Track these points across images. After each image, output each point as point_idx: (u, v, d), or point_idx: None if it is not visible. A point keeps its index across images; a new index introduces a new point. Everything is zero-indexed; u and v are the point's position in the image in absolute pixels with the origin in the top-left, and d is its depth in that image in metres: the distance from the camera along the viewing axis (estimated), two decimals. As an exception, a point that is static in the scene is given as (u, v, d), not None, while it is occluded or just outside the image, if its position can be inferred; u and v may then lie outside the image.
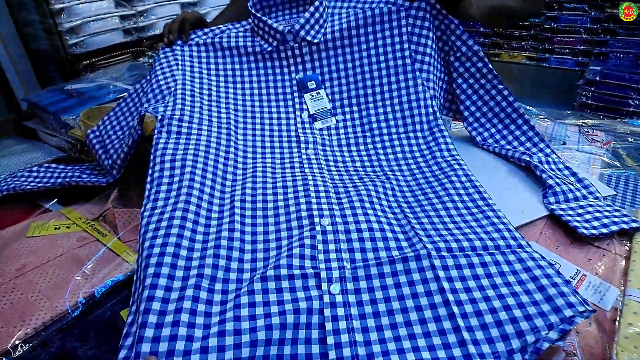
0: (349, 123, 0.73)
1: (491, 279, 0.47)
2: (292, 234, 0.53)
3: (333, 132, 0.72)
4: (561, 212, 0.58)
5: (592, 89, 1.74)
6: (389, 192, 0.60)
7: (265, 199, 0.58)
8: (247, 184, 0.60)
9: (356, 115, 0.73)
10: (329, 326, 0.42)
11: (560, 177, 0.65)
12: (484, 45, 2.18)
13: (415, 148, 0.69)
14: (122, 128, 0.75)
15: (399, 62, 0.72)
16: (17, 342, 0.48)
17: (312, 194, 0.57)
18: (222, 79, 0.74)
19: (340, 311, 0.44)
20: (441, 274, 0.46)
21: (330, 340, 0.41)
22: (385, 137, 0.71)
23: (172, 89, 0.68)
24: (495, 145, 0.73)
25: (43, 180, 0.77)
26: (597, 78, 1.73)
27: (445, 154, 0.67)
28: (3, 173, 0.86)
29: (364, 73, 0.73)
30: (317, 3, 0.72)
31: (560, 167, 0.68)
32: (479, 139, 0.75)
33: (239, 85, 0.74)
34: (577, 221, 0.56)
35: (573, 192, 0.63)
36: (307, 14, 0.71)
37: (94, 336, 0.50)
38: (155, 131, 0.63)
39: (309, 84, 0.74)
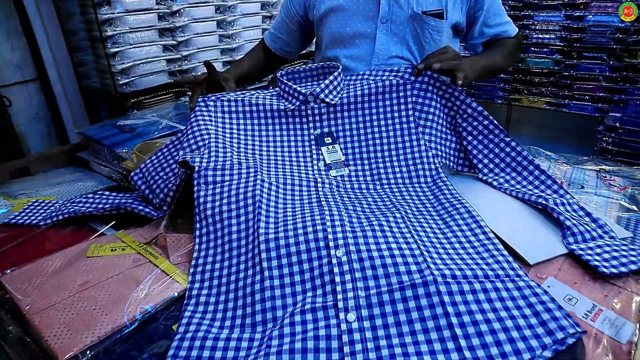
0: (360, 174, 0.82)
1: (491, 303, 0.53)
2: (313, 265, 0.59)
3: (346, 179, 0.81)
4: (581, 252, 0.62)
5: (613, 135, 1.78)
6: (400, 221, 0.66)
7: (287, 235, 0.62)
8: (269, 224, 0.65)
9: (366, 167, 0.83)
10: (346, 349, 0.49)
11: (576, 218, 0.70)
12: (504, 91, 2.26)
13: (420, 193, 0.78)
14: (164, 169, 0.84)
15: (404, 125, 0.84)
16: (84, 348, 0.54)
17: (328, 223, 0.62)
18: (249, 132, 0.85)
19: (357, 336, 0.50)
20: (446, 299, 0.52)
21: (347, 359, 0.48)
22: (393, 186, 0.80)
23: (207, 142, 0.79)
24: (512, 188, 0.79)
25: (99, 205, 0.85)
26: (617, 124, 1.77)
27: (449, 196, 0.75)
28: (61, 198, 0.96)
29: (374, 133, 0.84)
30: (335, 74, 0.84)
31: (575, 207, 0.73)
32: (495, 184, 0.81)
33: (264, 138, 0.85)
34: (597, 260, 0.60)
35: (590, 232, 0.67)
36: (326, 81, 0.84)
37: (149, 346, 0.55)
38: (195, 182, 0.73)
39: (325, 139, 0.85)
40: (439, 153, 0.83)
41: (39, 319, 0.59)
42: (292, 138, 0.85)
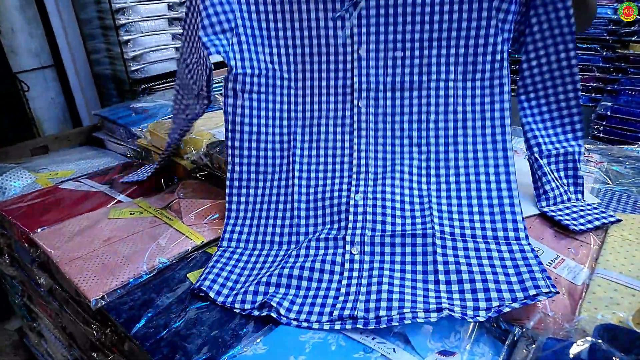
0: (407, 62, 0.67)
1: (479, 260, 0.58)
2: (333, 203, 0.67)
3: (389, 71, 0.68)
4: (552, 214, 0.69)
5: (604, 123, 1.84)
6: (424, 164, 0.67)
7: (317, 175, 0.70)
8: (304, 157, 0.71)
9: (417, 52, 0.67)
10: (345, 274, 0.59)
11: (556, 179, 0.73)
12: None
13: (468, 100, 0.66)
14: (199, 57, 0.71)
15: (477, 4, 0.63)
16: (109, 290, 0.62)
17: (355, 169, 0.68)
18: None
19: (356, 265, 0.60)
20: (439, 250, 0.59)
21: (344, 281, 0.59)
22: (442, 84, 0.66)
23: (232, 22, 0.68)
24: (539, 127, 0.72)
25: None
26: (608, 113, 1.83)
27: (497, 122, 0.65)
28: (80, 173, 1.04)
29: (433, 4, 0.64)
30: None
31: (571, 159, 0.72)
32: (525, 106, 0.72)
33: (294, 6, 0.68)
34: (567, 220, 0.67)
35: (562, 195, 0.72)
36: None
37: (166, 290, 0.63)
38: (225, 87, 0.69)
39: None
40: (512, 35, 0.65)
41: (69, 268, 0.67)
42: (323, 7, 0.68)
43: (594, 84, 2.02)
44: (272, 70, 0.71)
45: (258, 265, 0.65)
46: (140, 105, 1.26)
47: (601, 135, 1.84)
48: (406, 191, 0.67)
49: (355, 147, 0.69)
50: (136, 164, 1.07)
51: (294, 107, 0.72)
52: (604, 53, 1.95)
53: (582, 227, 0.65)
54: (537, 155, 0.73)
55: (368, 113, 0.69)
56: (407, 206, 0.65)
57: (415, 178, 0.67)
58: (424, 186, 0.67)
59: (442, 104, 0.67)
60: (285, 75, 0.71)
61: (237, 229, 0.71)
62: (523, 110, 0.73)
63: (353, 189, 0.67)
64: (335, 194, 0.68)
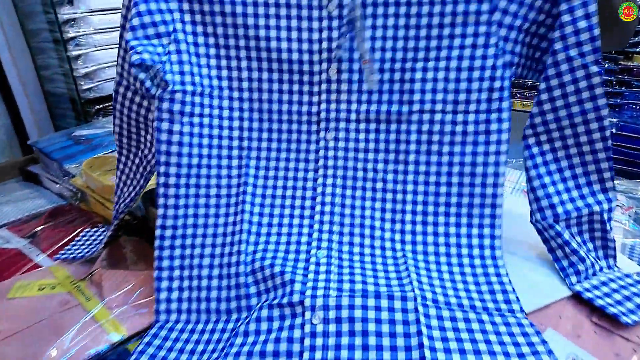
0: (385, 86, 0.55)
1: (471, 334, 0.46)
2: (289, 265, 0.53)
3: (364, 97, 0.56)
4: (589, 295, 0.53)
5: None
6: (398, 217, 0.57)
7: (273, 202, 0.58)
8: (256, 189, 0.58)
9: (397, 75, 0.54)
10: (306, 355, 0.44)
11: (580, 244, 0.57)
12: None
13: (458, 138, 0.53)
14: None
15: (472, 7, 0.50)
16: None
17: (317, 220, 0.57)
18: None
19: (319, 341, 0.45)
20: (422, 319, 0.46)
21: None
22: (426, 117, 0.54)
23: (170, 26, 0.53)
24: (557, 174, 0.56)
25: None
26: (614, 130, 1.69)
27: (490, 169, 0.53)
28: (12, 217, 0.85)
29: (420, 16, 0.52)
30: None
31: (605, 217, 0.56)
32: (537, 159, 0.57)
33: (249, 9, 0.54)
34: (612, 305, 0.51)
35: (593, 266, 0.57)
36: None
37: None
38: (158, 108, 0.52)
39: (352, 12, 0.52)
40: (515, 59, 0.53)
41: None
42: (286, 13, 0.54)
43: (596, 98, 1.88)
44: (219, 89, 0.56)
45: (199, 348, 0.51)
46: (84, 132, 1.08)
47: (606, 154, 1.69)
48: (377, 251, 0.56)
49: (319, 190, 0.58)
50: (68, 209, 0.88)
51: (247, 134, 0.58)
52: (606, 65, 1.81)
53: (636, 319, 0.49)
54: (551, 221, 0.56)
55: (336, 148, 0.57)
56: (379, 267, 0.54)
57: (387, 235, 0.57)
58: (398, 245, 0.56)
59: (424, 142, 0.55)
60: (236, 94, 0.57)
61: (174, 295, 0.55)
62: (532, 159, 0.57)
63: (315, 243, 0.56)
64: (292, 247, 0.56)
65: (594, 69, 0.50)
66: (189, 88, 0.54)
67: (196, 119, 0.55)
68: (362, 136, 0.57)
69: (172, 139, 0.54)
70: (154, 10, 0.52)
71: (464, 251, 0.55)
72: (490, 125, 0.53)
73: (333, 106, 0.57)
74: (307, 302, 0.48)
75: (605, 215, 0.56)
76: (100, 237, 0.71)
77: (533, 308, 0.51)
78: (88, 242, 0.73)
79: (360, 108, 0.56)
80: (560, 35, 0.50)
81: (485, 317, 0.49)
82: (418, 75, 0.54)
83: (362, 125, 0.56)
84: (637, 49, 1.72)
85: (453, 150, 0.54)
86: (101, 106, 1.41)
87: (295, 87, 0.57)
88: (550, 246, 0.58)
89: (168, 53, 0.53)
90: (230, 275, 0.55)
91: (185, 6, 0.53)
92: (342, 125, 0.57)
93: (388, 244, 0.57)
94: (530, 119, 0.56)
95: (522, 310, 0.50)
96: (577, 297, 0.53)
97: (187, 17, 0.54)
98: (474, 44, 0.51)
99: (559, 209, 0.56)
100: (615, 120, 1.71)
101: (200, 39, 0.55)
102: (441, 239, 0.56)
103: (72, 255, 0.68)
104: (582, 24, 0.49)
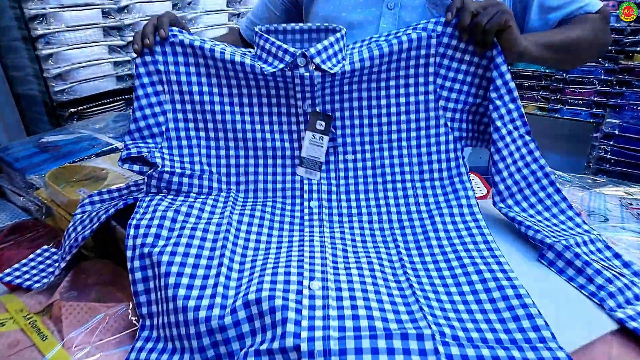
0: (359, 164, 0.65)
1: None
2: (274, 295, 0.46)
3: (342, 174, 0.65)
4: (636, 325, 0.46)
5: (611, 142, 1.65)
6: (395, 259, 0.55)
7: (257, 248, 0.56)
8: (239, 241, 0.56)
9: (368, 155, 0.65)
10: None
11: (607, 265, 0.53)
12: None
13: (431, 199, 0.63)
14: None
15: (421, 97, 0.64)
16: None
17: (306, 254, 0.53)
18: (215, 98, 0.63)
19: None
20: None
21: None
22: (399, 185, 0.64)
23: (163, 125, 0.63)
24: (528, 223, 0.59)
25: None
26: (616, 131, 1.64)
27: (465, 210, 0.60)
28: None
29: (380, 107, 0.65)
30: (338, 36, 0.60)
31: (599, 246, 0.56)
32: (509, 213, 0.61)
33: (236, 108, 0.64)
34: None
35: (631, 288, 0.50)
36: (326, 42, 0.59)
37: None
38: (147, 184, 0.60)
39: (318, 123, 0.64)
40: (463, 134, 0.65)
41: None
42: (275, 110, 0.64)
43: (595, 98, 1.83)
44: (209, 173, 0.64)
45: None
46: (52, 139, 0.98)
47: (608, 156, 1.65)
48: (380, 282, 0.50)
49: (306, 237, 0.57)
50: (32, 225, 0.78)
51: (231, 204, 0.62)
52: (606, 65, 1.76)
53: None
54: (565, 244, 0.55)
55: (321, 213, 0.62)
56: (384, 297, 0.47)
57: (388, 270, 0.53)
58: (402, 278, 0.52)
59: (403, 204, 0.63)
60: (224, 178, 0.65)
61: (149, 345, 0.49)
62: (512, 219, 0.60)
63: (306, 274, 0.49)
64: (280, 286, 0.48)
65: (528, 137, 0.61)
66: (178, 171, 0.61)
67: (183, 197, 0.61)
68: (344, 204, 0.64)
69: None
70: (148, 115, 0.62)
71: (474, 277, 0.52)
72: (455, 185, 0.63)
73: (315, 182, 0.65)
74: (304, 346, 0.40)
75: (595, 238, 0.58)
76: (53, 266, 0.62)
77: (573, 349, 0.44)
78: (46, 264, 0.63)
79: (340, 182, 0.65)
80: (498, 115, 0.60)
81: (515, 353, 0.41)
82: (386, 153, 0.65)
83: (343, 196, 0.64)
84: (638, 48, 1.68)
85: (429, 204, 0.62)
86: (75, 109, 1.31)
87: (279, 169, 0.65)
88: (567, 276, 0.53)
89: (160, 147, 0.62)
90: (212, 318, 0.46)
91: (178, 106, 0.63)
92: (325, 196, 0.64)
93: (391, 277, 0.52)
94: (493, 186, 0.62)
95: (554, 337, 0.43)
96: (624, 331, 0.46)
97: (180, 116, 0.63)
98: (427, 127, 0.64)
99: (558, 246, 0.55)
100: (617, 121, 1.66)
101: (193, 133, 0.64)
102: (445, 272, 0.53)
103: (25, 282, 0.59)
104: (512, 105, 0.61)
